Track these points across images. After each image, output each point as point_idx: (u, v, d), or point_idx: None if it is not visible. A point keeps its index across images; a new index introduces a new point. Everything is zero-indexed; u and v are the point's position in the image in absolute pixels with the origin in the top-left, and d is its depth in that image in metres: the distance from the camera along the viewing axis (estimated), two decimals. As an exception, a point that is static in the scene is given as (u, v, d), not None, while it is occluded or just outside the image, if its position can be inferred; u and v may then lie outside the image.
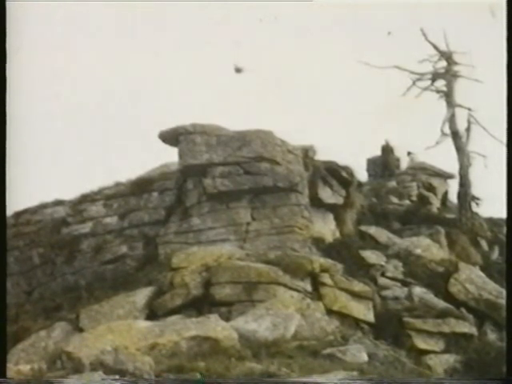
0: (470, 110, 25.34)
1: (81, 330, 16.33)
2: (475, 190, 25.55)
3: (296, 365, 13.50)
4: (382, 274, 19.66)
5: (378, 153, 30.74)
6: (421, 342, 17.00)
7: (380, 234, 22.64)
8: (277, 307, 16.04)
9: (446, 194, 29.42)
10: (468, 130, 25.37)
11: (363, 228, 23.02)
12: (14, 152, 14.43)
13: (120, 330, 14.77)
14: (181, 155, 20.83)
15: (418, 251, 21.12)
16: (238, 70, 26.57)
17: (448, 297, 19.03)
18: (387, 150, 30.41)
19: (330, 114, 35.40)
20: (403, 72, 25.58)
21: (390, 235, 22.65)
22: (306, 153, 22.02)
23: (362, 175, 25.52)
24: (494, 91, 17.56)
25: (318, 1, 25.33)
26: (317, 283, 17.54)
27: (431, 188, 29.13)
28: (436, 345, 17.08)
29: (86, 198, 22.22)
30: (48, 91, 29.91)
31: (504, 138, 14.26)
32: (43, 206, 22.66)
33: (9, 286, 18.07)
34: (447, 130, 25.35)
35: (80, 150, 32.45)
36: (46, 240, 21.70)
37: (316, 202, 21.54)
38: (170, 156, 21.68)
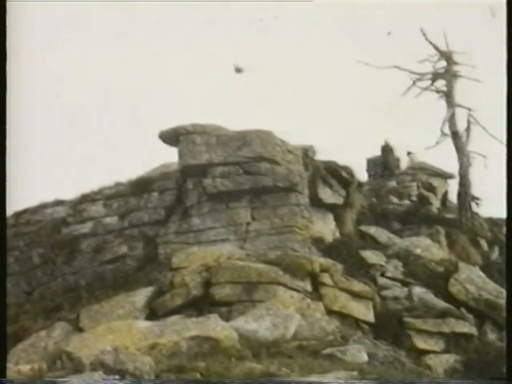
0: (469, 109, 25.33)
1: (81, 330, 16.32)
2: (475, 190, 25.56)
3: (296, 365, 13.51)
4: (382, 274, 19.66)
5: (378, 153, 30.76)
6: (421, 342, 16.99)
7: (380, 234, 22.64)
8: (277, 307, 16.04)
9: (445, 194, 29.41)
10: (468, 130, 25.36)
11: (363, 228, 23.03)
12: (14, 152, 14.43)
13: (120, 329, 14.78)
14: (181, 155, 20.83)
15: (418, 251, 21.12)
16: (238, 70, 26.56)
17: (448, 297, 19.01)
18: (387, 149, 30.44)
19: (330, 113, 35.34)
20: (403, 72, 25.59)
21: (390, 235, 22.65)
22: (306, 153, 22.02)
23: (362, 175, 25.53)
24: (494, 91, 17.53)
25: (318, 1, 25.31)
26: (317, 283, 17.54)
27: (431, 188, 29.13)
28: (436, 345, 17.07)
29: (86, 198, 22.22)
30: (48, 91, 29.85)
31: (504, 138, 14.29)
32: (43, 206, 22.64)
33: (9, 286, 18.04)
34: (447, 130, 25.35)
35: (80, 150, 32.38)
36: (46, 240, 21.70)
37: (316, 202, 21.55)
38: (170, 156, 21.70)
